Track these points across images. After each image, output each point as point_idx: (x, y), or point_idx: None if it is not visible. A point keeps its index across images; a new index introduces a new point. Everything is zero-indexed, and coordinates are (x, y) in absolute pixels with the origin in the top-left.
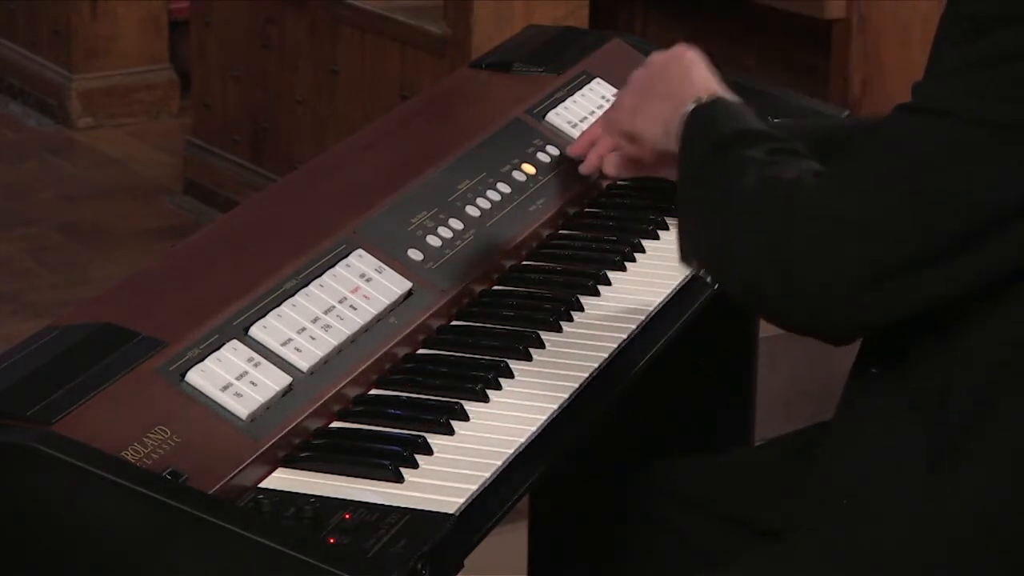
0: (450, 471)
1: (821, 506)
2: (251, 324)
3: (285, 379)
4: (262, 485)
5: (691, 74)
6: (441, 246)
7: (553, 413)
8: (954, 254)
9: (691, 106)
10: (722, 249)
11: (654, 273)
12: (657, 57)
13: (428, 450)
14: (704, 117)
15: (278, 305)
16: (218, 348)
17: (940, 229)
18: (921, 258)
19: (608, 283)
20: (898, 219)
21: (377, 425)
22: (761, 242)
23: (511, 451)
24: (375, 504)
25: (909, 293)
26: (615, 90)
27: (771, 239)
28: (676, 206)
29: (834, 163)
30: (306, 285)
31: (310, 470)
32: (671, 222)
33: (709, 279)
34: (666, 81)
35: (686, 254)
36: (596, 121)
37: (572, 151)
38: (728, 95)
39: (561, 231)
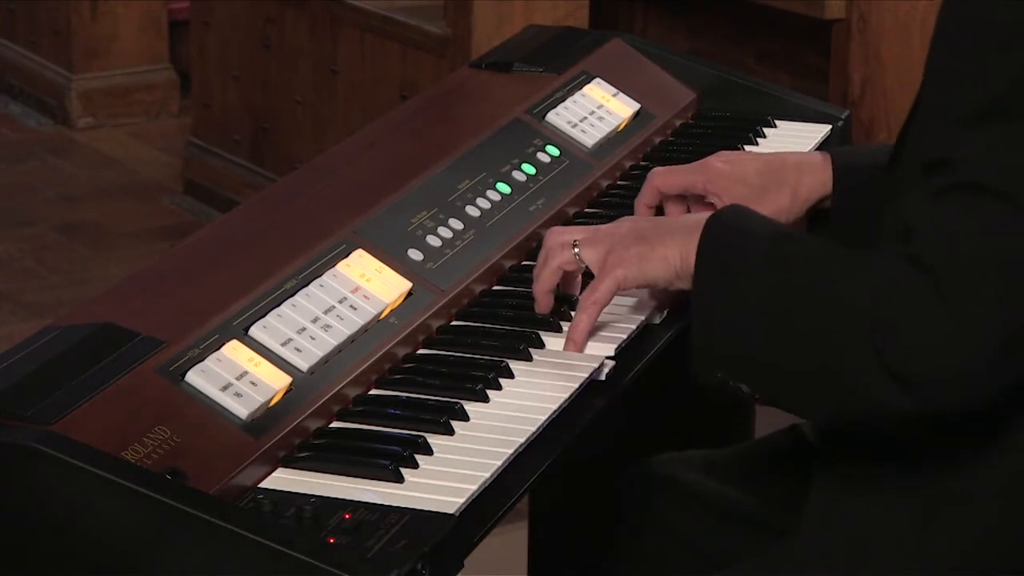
0: (450, 471)
1: (828, 501)
2: (251, 324)
3: (285, 379)
4: (262, 485)
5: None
6: (441, 246)
7: (553, 413)
8: None
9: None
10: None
11: None
12: (610, 227)
13: (428, 450)
14: (732, 227)
15: (278, 305)
16: (218, 348)
17: None
18: None
19: None
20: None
21: (377, 425)
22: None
23: (511, 451)
24: (375, 504)
25: None
26: (615, 90)
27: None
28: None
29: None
30: (306, 285)
31: (310, 470)
32: None
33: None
34: (653, 227)
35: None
36: (589, 299)
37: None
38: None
39: None
